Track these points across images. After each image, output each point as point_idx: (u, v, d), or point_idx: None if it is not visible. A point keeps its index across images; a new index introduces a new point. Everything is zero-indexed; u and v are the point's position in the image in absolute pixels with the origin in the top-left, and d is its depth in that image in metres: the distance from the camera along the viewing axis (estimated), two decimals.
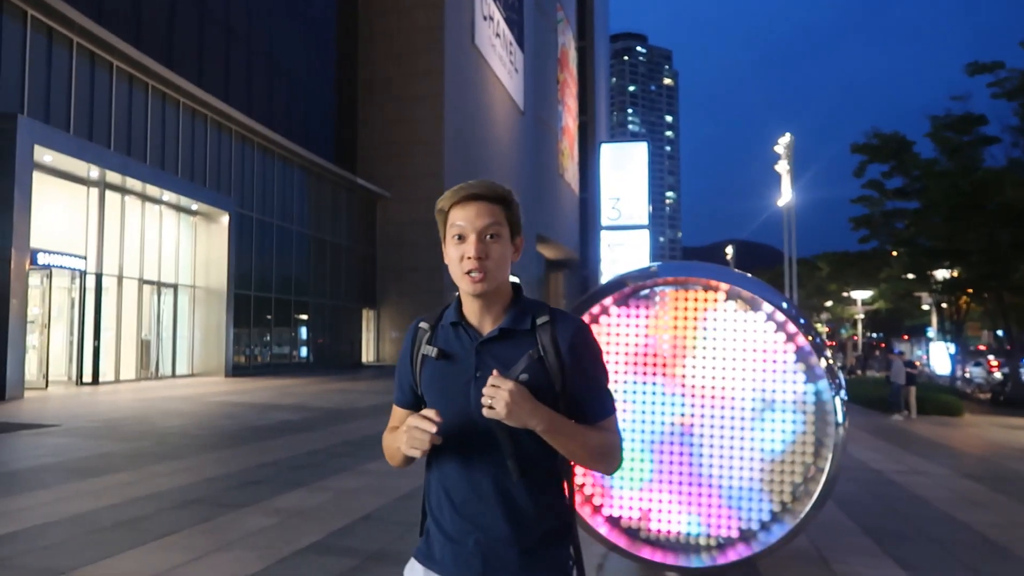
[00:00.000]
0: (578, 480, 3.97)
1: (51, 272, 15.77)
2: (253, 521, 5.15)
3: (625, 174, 41.13)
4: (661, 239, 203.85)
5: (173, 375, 20.58)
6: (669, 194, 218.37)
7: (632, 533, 3.94)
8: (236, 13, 24.16)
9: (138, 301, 19.23)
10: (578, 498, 3.97)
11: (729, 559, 3.78)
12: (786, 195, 25.95)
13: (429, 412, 1.38)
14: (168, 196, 19.83)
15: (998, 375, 28.03)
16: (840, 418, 3.71)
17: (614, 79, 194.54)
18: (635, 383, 3.89)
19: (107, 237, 17.75)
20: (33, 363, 15.70)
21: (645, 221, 41.43)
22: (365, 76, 34.11)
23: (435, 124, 33.52)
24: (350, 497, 6.00)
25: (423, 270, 31.94)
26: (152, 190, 19.09)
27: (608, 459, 1.47)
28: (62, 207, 16.64)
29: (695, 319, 3.88)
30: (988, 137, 22.06)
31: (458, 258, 1.46)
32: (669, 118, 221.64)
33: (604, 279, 16.35)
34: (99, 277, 17.50)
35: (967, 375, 29.05)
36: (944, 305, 28.23)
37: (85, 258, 16.74)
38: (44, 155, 15.00)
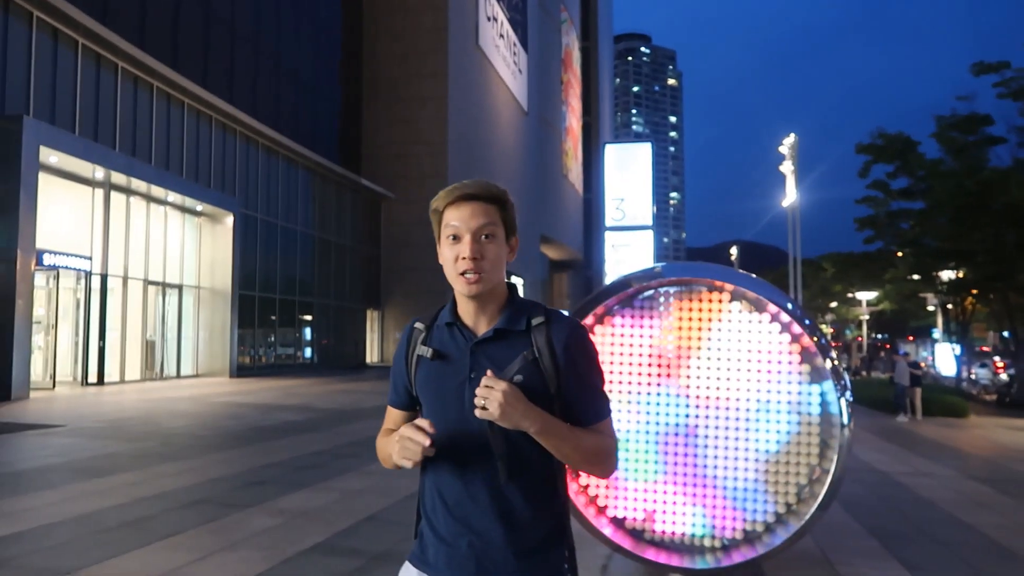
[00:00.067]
0: (583, 481, 3.96)
1: (57, 273, 15.82)
2: (258, 521, 5.16)
3: (629, 175, 41.16)
4: (665, 240, 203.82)
5: (178, 376, 20.63)
6: (673, 195, 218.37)
7: (636, 534, 3.93)
8: (241, 15, 24.21)
9: (143, 302, 19.28)
10: (582, 499, 3.97)
11: (734, 561, 3.77)
12: (791, 196, 25.93)
13: (423, 422, 1.35)
14: (173, 197, 19.89)
15: (1004, 376, 27.86)
16: (845, 419, 3.70)
17: (618, 79, 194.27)
18: (640, 384, 3.89)
19: (112, 238, 17.80)
20: (38, 363, 15.76)
21: (649, 222, 41.45)
22: (369, 77, 34.15)
23: (439, 125, 33.57)
24: (355, 498, 6.01)
25: (427, 271, 31.93)
26: (157, 191, 19.16)
27: (602, 462, 1.46)
28: (67, 208, 16.70)
29: (699, 320, 3.87)
30: (994, 137, 21.98)
31: (453, 259, 1.44)
32: (673, 119, 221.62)
33: (608, 280, 16.31)
34: (104, 278, 17.56)
35: (973, 376, 28.88)
36: (949, 306, 28.11)
37: (90, 259, 16.78)
38: (50, 156, 15.06)
